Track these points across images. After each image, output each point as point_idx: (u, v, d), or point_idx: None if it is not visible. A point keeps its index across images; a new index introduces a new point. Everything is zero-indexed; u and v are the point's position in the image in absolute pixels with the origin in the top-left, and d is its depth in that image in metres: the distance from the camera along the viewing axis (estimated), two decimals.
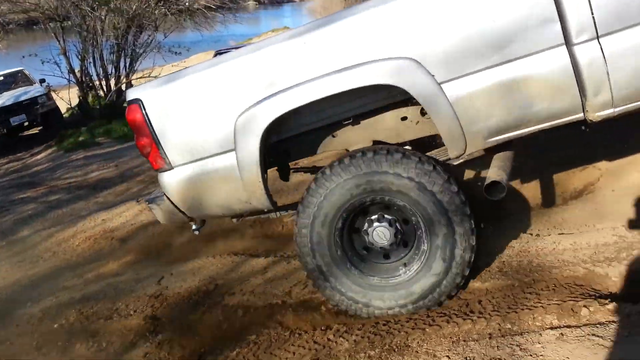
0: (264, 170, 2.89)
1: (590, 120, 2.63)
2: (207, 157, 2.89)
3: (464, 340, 2.58)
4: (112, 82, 13.88)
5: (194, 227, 3.29)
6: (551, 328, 2.47)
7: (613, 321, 2.39)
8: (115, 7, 13.07)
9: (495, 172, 2.79)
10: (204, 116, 2.87)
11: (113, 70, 13.95)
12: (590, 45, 2.48)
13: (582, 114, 2.61)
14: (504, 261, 3.12)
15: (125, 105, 3.10)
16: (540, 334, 2.44)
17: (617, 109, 2.58)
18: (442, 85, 2.58)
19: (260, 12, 51.62)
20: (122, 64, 14.07)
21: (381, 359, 2.60)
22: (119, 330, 3.47)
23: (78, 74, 13.50)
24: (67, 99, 13.75)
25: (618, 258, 2.85)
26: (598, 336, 2.32)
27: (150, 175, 7.38)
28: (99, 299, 3.88)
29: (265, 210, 3.06)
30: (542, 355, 2.33)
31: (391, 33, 2.62)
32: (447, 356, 2.51)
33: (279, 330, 3.05)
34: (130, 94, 2.97)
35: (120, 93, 13.94)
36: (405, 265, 2.93)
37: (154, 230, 5.07)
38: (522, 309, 2.67)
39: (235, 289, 3.60)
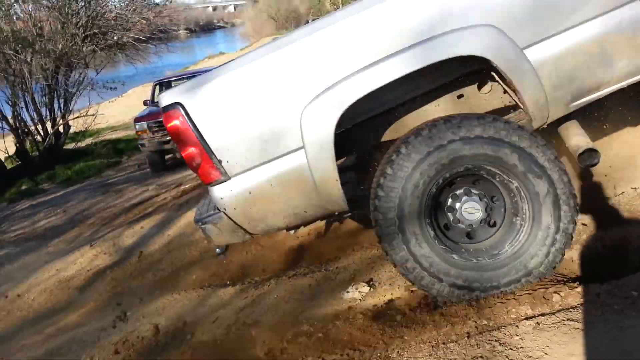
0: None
1: None
2: (270, 161, 2.56)
3: (444, 343, 2.56)
4: (49, 125, 13.37)
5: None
6: (526, 319, 2.48)
7: (584, 303, 2.43)
8: (41, 47, 12.62)
9: (581, 139, 2.65)
10: (262, 113, 2.52)
11: (47, 113, 13.44)
12: None
13: None
14: None
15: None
16: (517, 326, 2.45)
17: None
18: (524, 51, 2.44)
19: (193, 40, 51.39)
20: (56, 106, 13.58)
21: None
22: None
23: (11, 121, 12.93)
24: (3, 148, 13.13)
25: (579, 241, 2.92)
26: (573, 320, 2.35)
27: (101, 217, 7.13)
28: (62, 354, 3.67)
29: (337, 212, 2.75)
30: (522, 347, 2.33)
31: None
32: None
33: None
34: (166, 99, 2.58)
35: (58, 136, 13.49)
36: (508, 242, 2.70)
37: (112, 275, 4.89)
38: (496, 303, 2.68)
39: (204, 325, 3.46)
